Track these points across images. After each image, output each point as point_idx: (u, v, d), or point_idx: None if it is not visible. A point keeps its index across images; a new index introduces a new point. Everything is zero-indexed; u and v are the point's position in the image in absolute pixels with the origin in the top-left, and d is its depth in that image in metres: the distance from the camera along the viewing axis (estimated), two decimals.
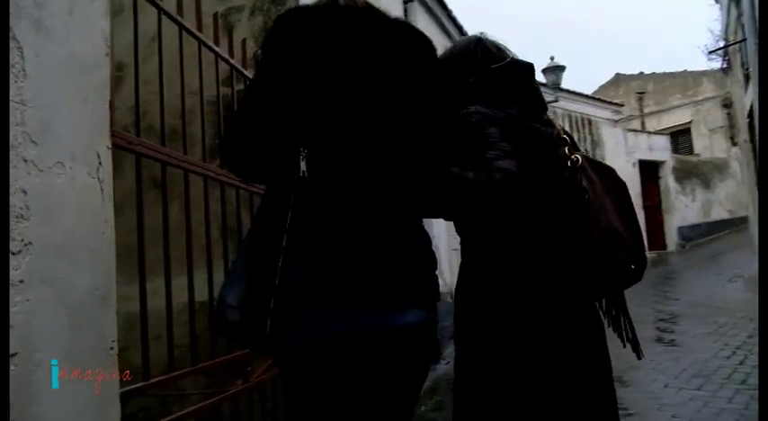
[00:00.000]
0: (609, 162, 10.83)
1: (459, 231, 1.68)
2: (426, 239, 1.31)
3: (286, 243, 1.12)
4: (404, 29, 1.29)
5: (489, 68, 1.59)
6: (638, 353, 1.64)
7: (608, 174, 1.65)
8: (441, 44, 6.21)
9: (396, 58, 1.23)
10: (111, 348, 1.44)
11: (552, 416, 1.47)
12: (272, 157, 1.19)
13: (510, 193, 1.35)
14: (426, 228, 1.32)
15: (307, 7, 1.28)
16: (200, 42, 2.20)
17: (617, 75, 21.28)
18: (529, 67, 1.65)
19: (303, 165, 1.13)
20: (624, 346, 1.66)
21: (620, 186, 1.66)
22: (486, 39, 1.70)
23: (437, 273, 1.32)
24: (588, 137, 13.03)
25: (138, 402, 2.80)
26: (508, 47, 1.70)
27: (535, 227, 1.51)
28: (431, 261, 1.30)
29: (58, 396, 1.26)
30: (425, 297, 1.25)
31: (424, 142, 1.26)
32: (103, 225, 1.46)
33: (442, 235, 5.66)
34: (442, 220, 1.72)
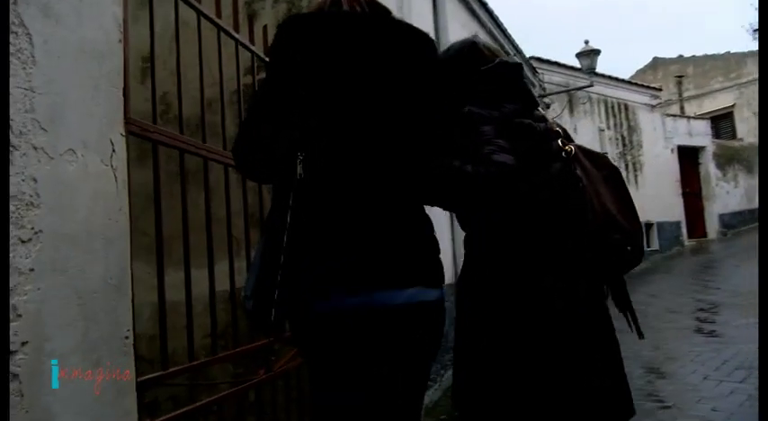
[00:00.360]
0: (646, 148, 10.47)
1: (462, 225, 1.70)
2: (427, 224, 1.34)
3: (287, 240, 1.17)
4: (410, 31, 1.32)
5: (480, 70, 1.65)
6: (639, 334, 1.68)
7: (601, 161, 1.72)
8: (470, 30, 6.03)
9: (402, 60, 1.27)
10: (127, 337, 1.43)
11: (549, 413, 1.47)
12: (285, 152, 1.22)
13: (507, 185, 1.40)
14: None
15: (314, 12, 1.34)
16: (219, 28, 2.17)
17: (654, 58, 20.63)
18: (517, 67, 1.72)
19: (300, 169, 1.19)
20: (631, 331, 1.68)
21: (614, 172, 1.73)
22: (480, 42, 1.77)
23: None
24: (624, 122, 12.66)
25: (167, 391, 2.84)
26: (501, 48, 1.77)
27: (532, 223, 1.54)
28: (432, 244, 1.32)
29: (70, 386, 1.26)
30: (430, 276, 1.28)
31: (428, 141, 1.31)
32: (117, 213, 1.44)
33: None
34: None
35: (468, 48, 1.73)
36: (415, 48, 1.30)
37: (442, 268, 1.34)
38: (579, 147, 1.68)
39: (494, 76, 1.63)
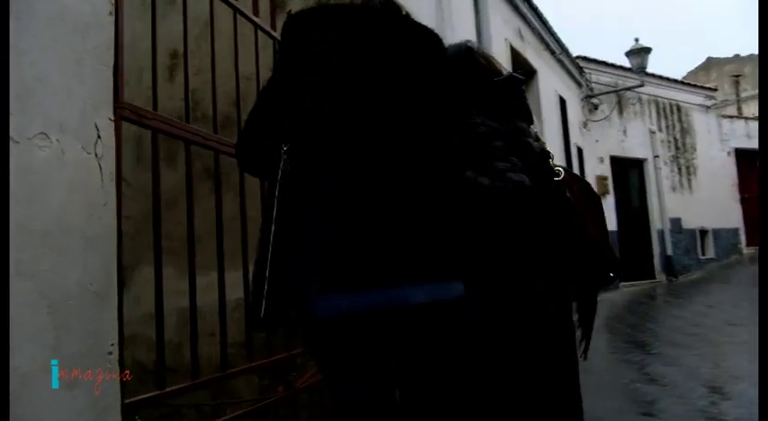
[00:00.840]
0: (700, 151, 9.89)
1: None
2: (445, 216, 1.22)
3: (273, 233, 1.12)
4: (418, 28, 1.29)
5: (492, 81, 1.65)
6: (585, 354, 1.69)
7: (585, 186, 1.76)
8: (513, 26, 5.70)
9: (410, 55, 1.25)
10: (110, 352, 1.23)
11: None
12: (291, 137, 1.16)
13: (520, 202, 1.46)
14: None
15: (327, 4, 1.30)
16: (236, 11, 1.99)
17: (708, 58, 19.76)
18: (522, 82, 1.72)
19: (284, 161, 1.14)
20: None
21: (597, 198, 1.78)
22: (476, 49, 1.74)
23: None
24: (677, 124, 12.05)
25: (189, 400, 2.70)
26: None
27: (525, 228, 1.53)
28: (447, 236, 1.21)
29: (41, 407, 1.07)
30: (447, 269, 1.19)
31: (429, 135, 1.25)
32: (101, 209, 1.25)
33: None
34: None
35: (464, 53, 1.69)
36: (422, 44, 1.28)
37: (462, 260, 1.25)
38: (566, 170, 1.72)
39: (504, 89, 1.63)
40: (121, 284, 1.30)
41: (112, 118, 1.31)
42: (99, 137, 1.26)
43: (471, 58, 1.68)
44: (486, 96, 1.60)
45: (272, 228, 1.11)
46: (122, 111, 1.36)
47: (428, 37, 1.29)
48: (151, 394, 1.39)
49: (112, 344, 1.24)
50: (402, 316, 1.11)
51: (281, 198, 1.12)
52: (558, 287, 1.55)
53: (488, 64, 1.70)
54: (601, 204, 1.77)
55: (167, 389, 1.44)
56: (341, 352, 1.14)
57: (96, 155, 1.25)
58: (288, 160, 1.13)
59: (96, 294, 1.21)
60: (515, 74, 1.71)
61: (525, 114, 1.67)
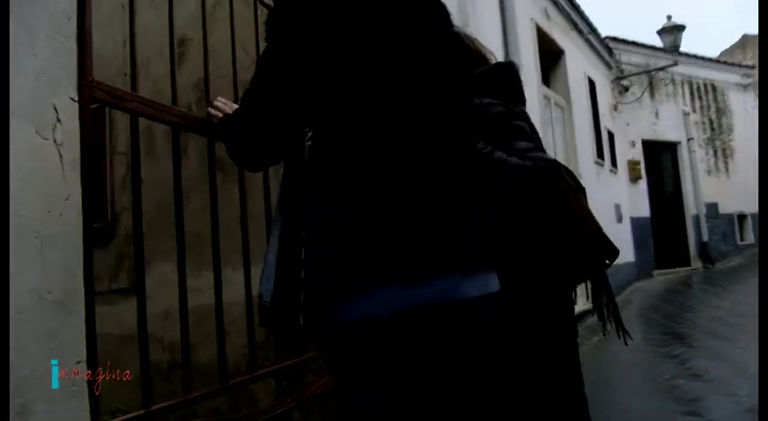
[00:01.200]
0: (738, 132, 9.51)
1: None
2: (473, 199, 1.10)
3: (305, 231, 1.01)
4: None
5: (498, 64, 1.68)
6: (625, 336, 1.66)
7: (573, 177, 1.72)
8: (540, 6, 5.42)
9: (424, 31, 1.15)
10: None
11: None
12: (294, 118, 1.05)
13: (550, 182, 1.42)
14: None
15: None
16: None
17: (744, 36, 19.01)
18: (516, 67, 1.73)
19: (308, 147, 1.05)
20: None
21: (584, 190, 1.74)
22: (462, 33, 1.66)
23: None
24: (712, 104, 11.57)
25: (209, 403, 2.61)
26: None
27: (525, 220, 1.50)
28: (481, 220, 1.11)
29: None
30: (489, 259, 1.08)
31: (442, 114, 1.12)
32: (62, 203, 1.07)
33: None
34: None
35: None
36: (435, 18, 1.17)
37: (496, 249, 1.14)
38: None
39: (502, 73, 1.62)
40: (91, 291, 1.11)
41: (76, 98, 1.13)
42: (58, 119, 1.08)
43: (460, 42, 1.61)
44: (486, 80, 1.58)
45: (303, 229, 0.99)
46: (91, 91, 1.17)
47: (439, 11, 1.18)
48: (132, 415, 1.21)
49: (78, 363, 1.06)
50: (449, 311, 0.98)
51: (305, 192, 1.01)
52: (559, 278, 1.55)
53: (475, 49, 1.68)
54: (586, 196, 1.76)
55: (153, 408, 1.26)
56: (372, 354, 1.00)
57: (55, 140, 1.06)
58: (314, 148, 1.01)
59: (57, 304, 1.03)
60: (511, 60, 1.74)
61: (523, 100, 1.66)
